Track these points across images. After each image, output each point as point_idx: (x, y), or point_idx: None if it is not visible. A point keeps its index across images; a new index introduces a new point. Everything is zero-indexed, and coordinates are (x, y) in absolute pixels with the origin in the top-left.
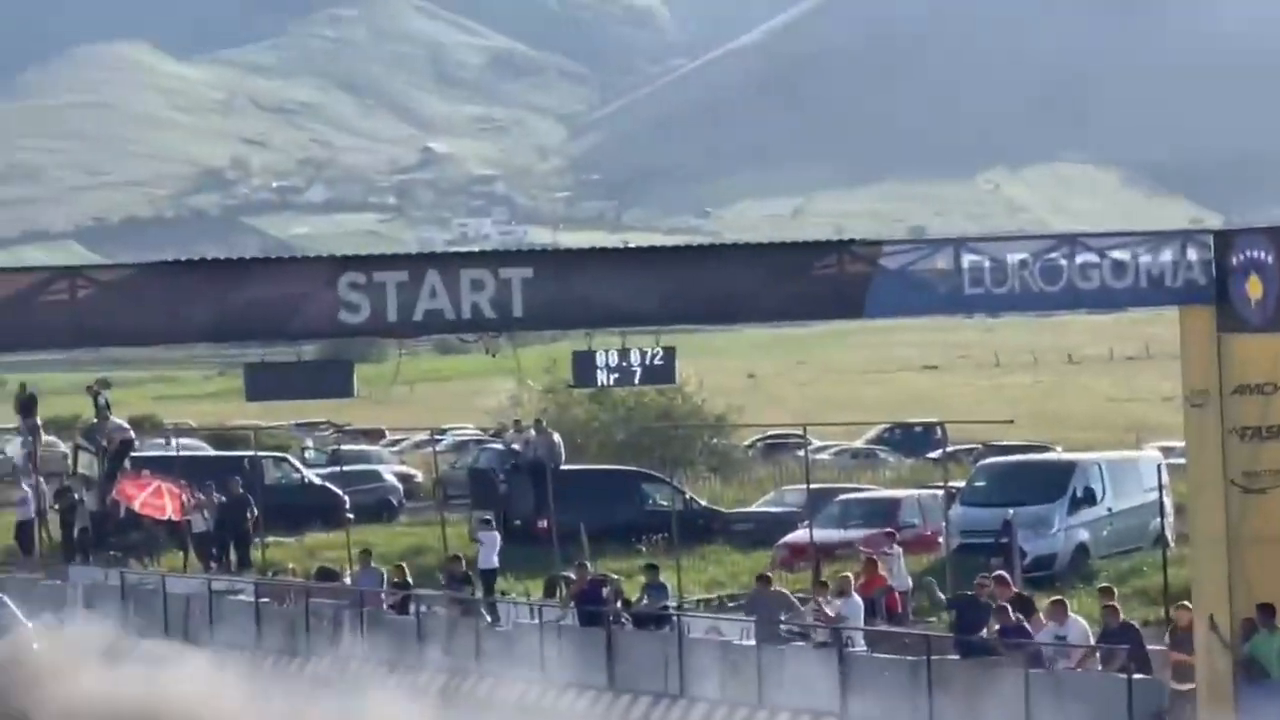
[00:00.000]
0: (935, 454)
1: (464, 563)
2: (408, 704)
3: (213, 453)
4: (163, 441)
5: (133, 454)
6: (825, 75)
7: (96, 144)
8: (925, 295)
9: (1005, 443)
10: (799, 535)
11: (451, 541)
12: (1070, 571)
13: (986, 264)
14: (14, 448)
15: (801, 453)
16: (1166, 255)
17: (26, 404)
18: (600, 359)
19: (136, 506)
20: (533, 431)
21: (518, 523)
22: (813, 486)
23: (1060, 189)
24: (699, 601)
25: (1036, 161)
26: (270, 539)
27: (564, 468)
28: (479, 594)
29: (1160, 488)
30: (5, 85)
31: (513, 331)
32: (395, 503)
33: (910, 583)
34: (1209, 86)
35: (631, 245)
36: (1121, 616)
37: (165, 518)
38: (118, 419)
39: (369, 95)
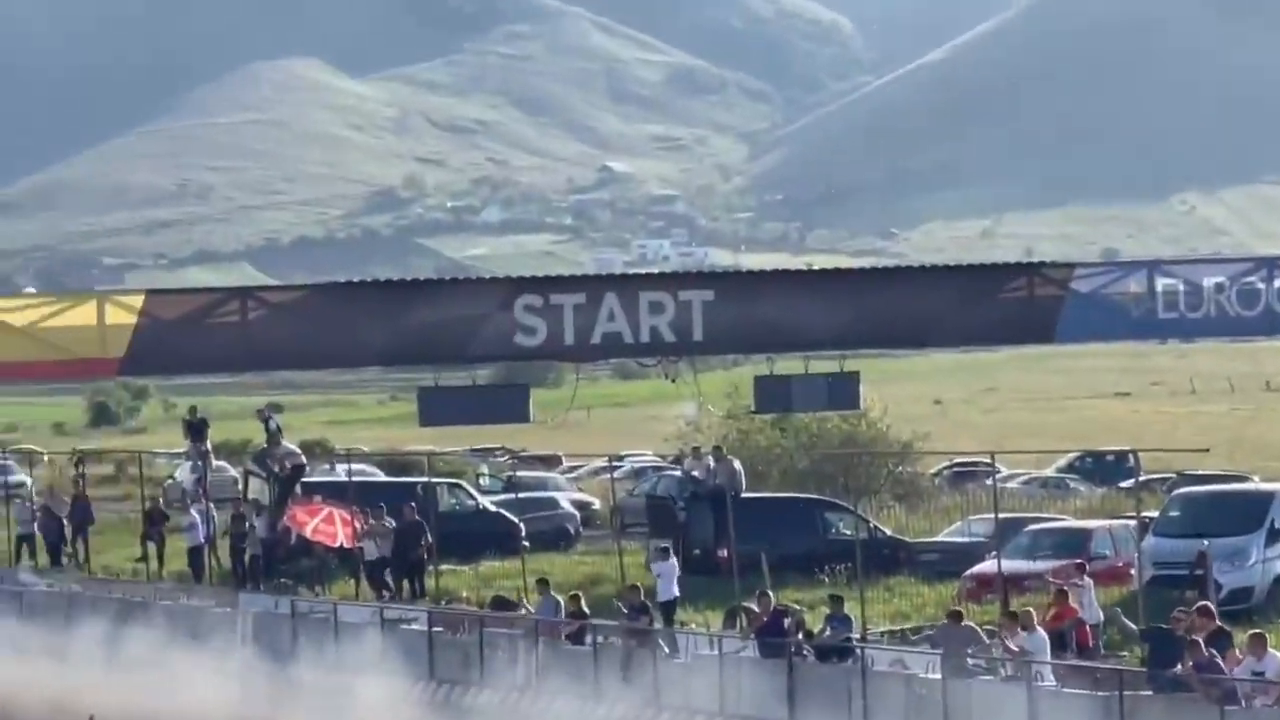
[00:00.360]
0: (1128, 483)
1: (642, 592)
2: None
3: (385, 479)
4: (329, 467)
5: (304, 479)
6: (1015, 93)
7: (268, 163)
8: (1118, 320)
9: (1200, 472)
10: (987, 566)
11: (629, 571)
12: (1268, 605)
13: (1181, 287)
14: (184, 473)
15: (989, 481)
16: None
17: (197, 428)
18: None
19: (308, 533)
20: (712, 458)
21: (697, 552)
22: (1001, 516)
23: (1261, 211)
24: (883, 634)
25: (1235, 183)
26: (444, 567)
27: (745, 495)
28: (657, 624)
29: None
30: (176, 103)
31: (693, 355)
32: (572, 531)
33: (1101, 615)
34: None
35: (815, 267)
36: None
37: (336, 545)
38: (289, 444)
39: (545, 113)
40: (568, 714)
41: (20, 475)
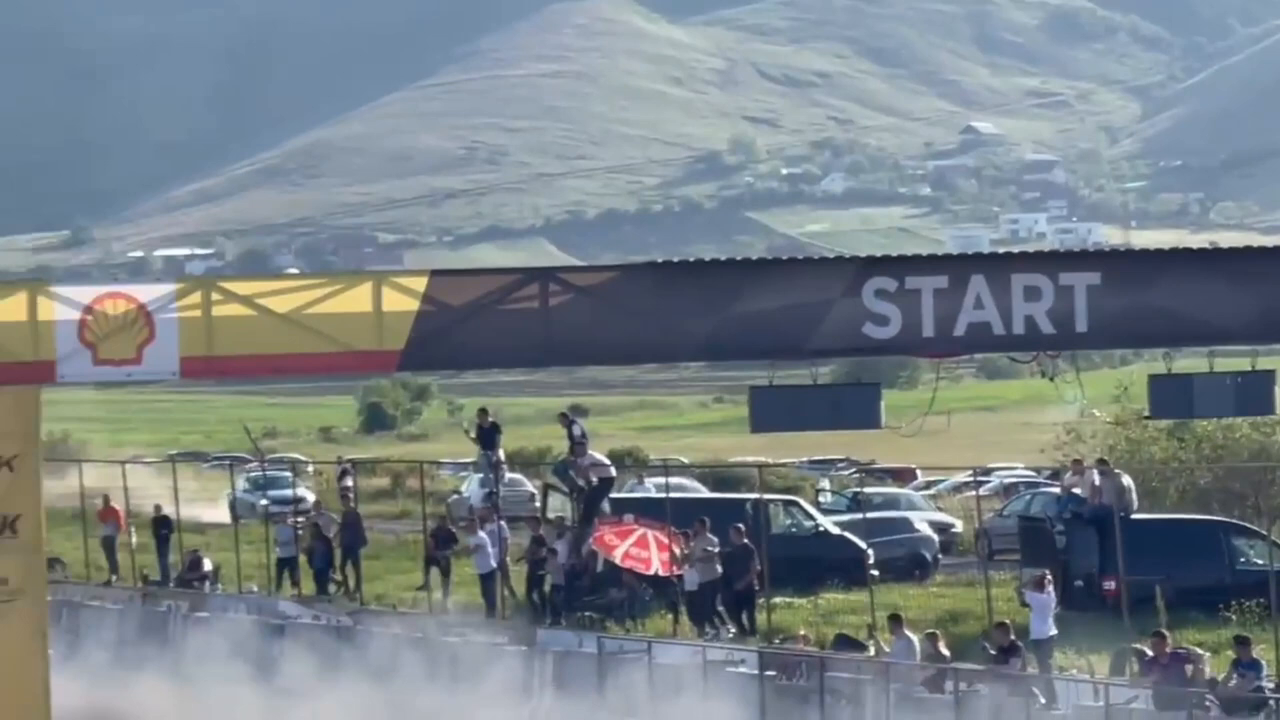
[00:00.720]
0: None
1: (1012, 631)
2: None
3: (709, 495)
4: (640, 481)
5: (613, 495)
6: None
7: (570, 123)
8: None
9: None
10: None
11: (997, 605)
12: None
13: None
14: (471, 487)
15: None
16: None
17: (487, 434)
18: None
19: (617, 559)
20: (1097, 473)
21: (1079, 583)
22: None
23: None
24: None
25: None
26: (777, 599)
27: (1135, 517)
28: (1030, 669)
29: None
30: (459, 53)
31: (1075, 350)
32: (929, 557)
33: None
34: None
35: (1221, 246)
36: None
37: (651, 572)
38: (595, 453)
39: (899, 65)
40: None
41: (298, 489)
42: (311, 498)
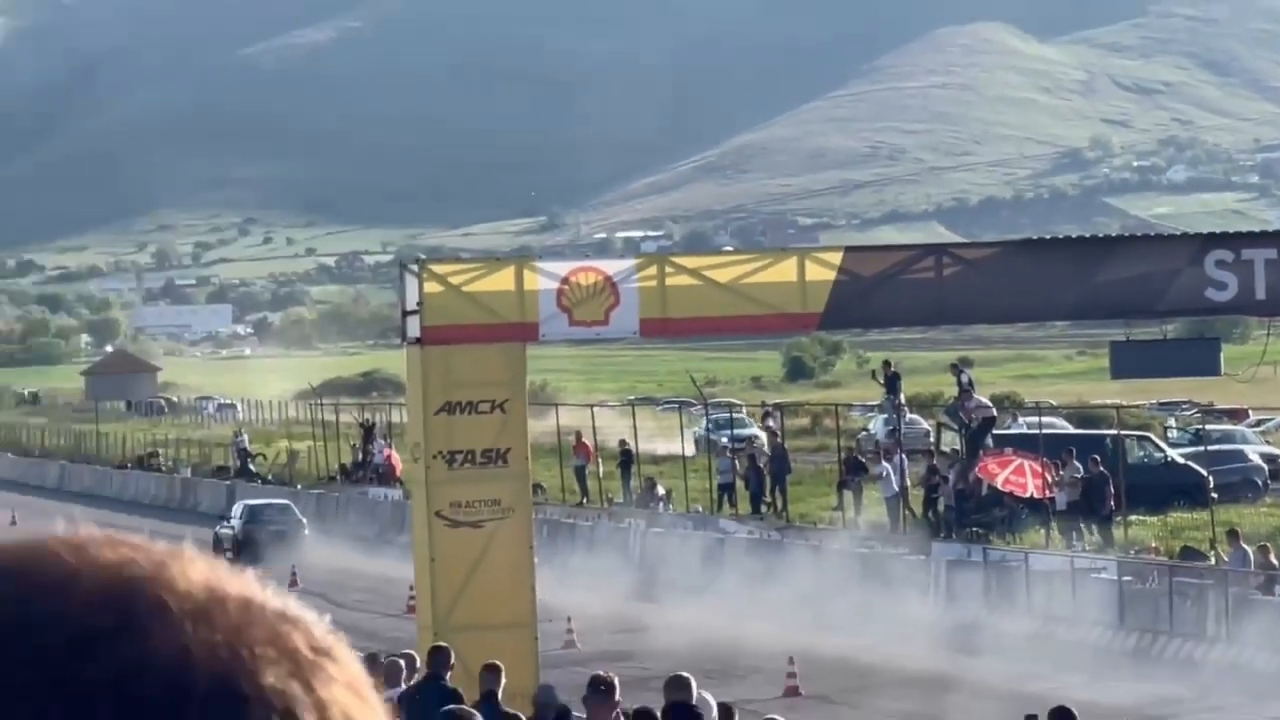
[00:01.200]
0: None
1: None
2: None
3: (1074, 431)
4: (1018, 420)
5: (994, 432)
6: None
7: (957, 125)
8: None
9: None
10: None
11: None
12: None
13: None
14: (877, 425)
15: None
16: None
17: (891, 381)
18: None
19: (999, 484)
20: None
21: None
22: None
23: None
24: None
25: None
26: (1132, 517)
27: None
28: None
29: None
30: (868, 69)
31: None
32: (1260, 483)
33: None
34: None
35: None
36: None
37: (1027, 495)
38: (980, 397)
39: (1231, 74)
40: (1259, 665)
41: (751, 429)
42: (763, 436)
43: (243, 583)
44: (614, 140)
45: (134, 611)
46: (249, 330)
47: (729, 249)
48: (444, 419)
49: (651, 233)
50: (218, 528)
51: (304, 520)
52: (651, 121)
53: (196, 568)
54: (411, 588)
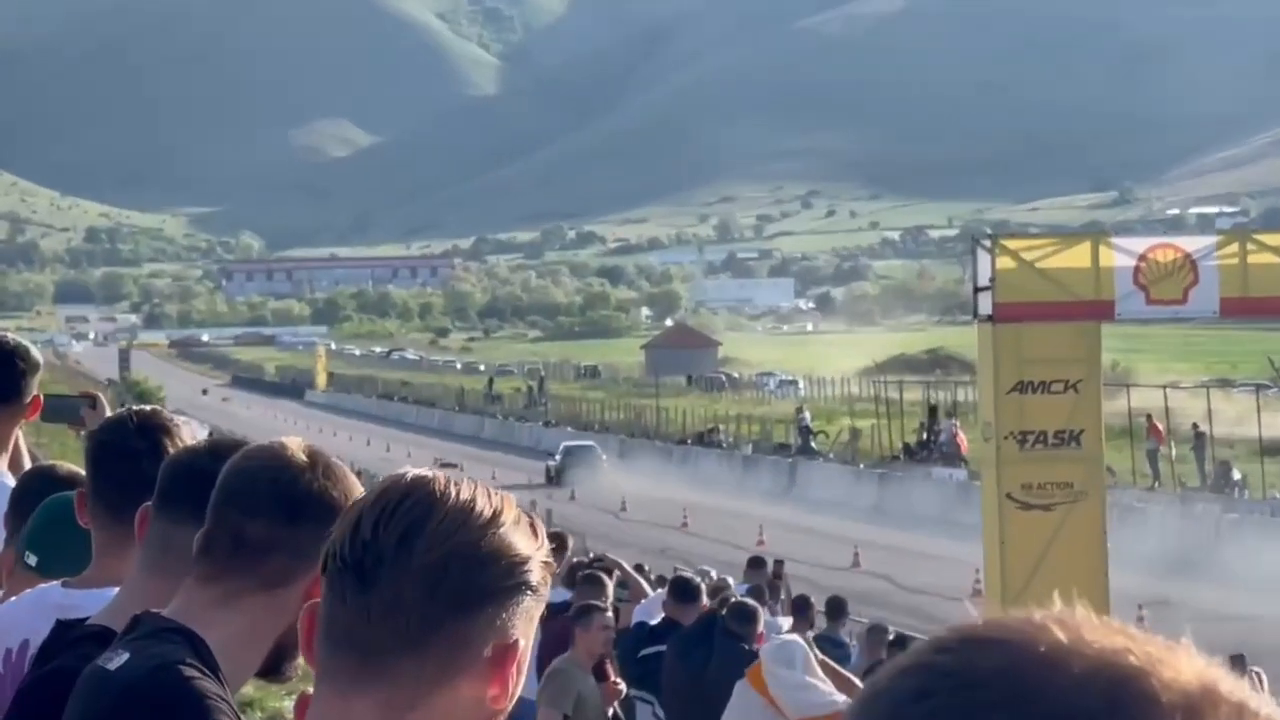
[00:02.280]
0: None
1: None
2: None
3: None
4: None
5: None
6: None
7: None
8: None
9: None
10: None
11: None
12: None
13: None
14: None
15: None
16: None
17: None
18: None
19: None
20: None
21: None
22: None
23: None
24: None
25: None
26: None
27: None
28: None
29: None
30: None
31: None
32: None
33: None
34: None
35: None
36: None
37: None
38: None
39: None
40: None
41: None
42: None
43: (1238, 686)
44: (1191, 113)
45: (1123, 699)
46: (810, 305)
47: None
48: (1015, 398)
49: (1226, 209)
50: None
51: (603, 455)
52: (1234, 93)
53: (1192, 664)
54: (978, 571)
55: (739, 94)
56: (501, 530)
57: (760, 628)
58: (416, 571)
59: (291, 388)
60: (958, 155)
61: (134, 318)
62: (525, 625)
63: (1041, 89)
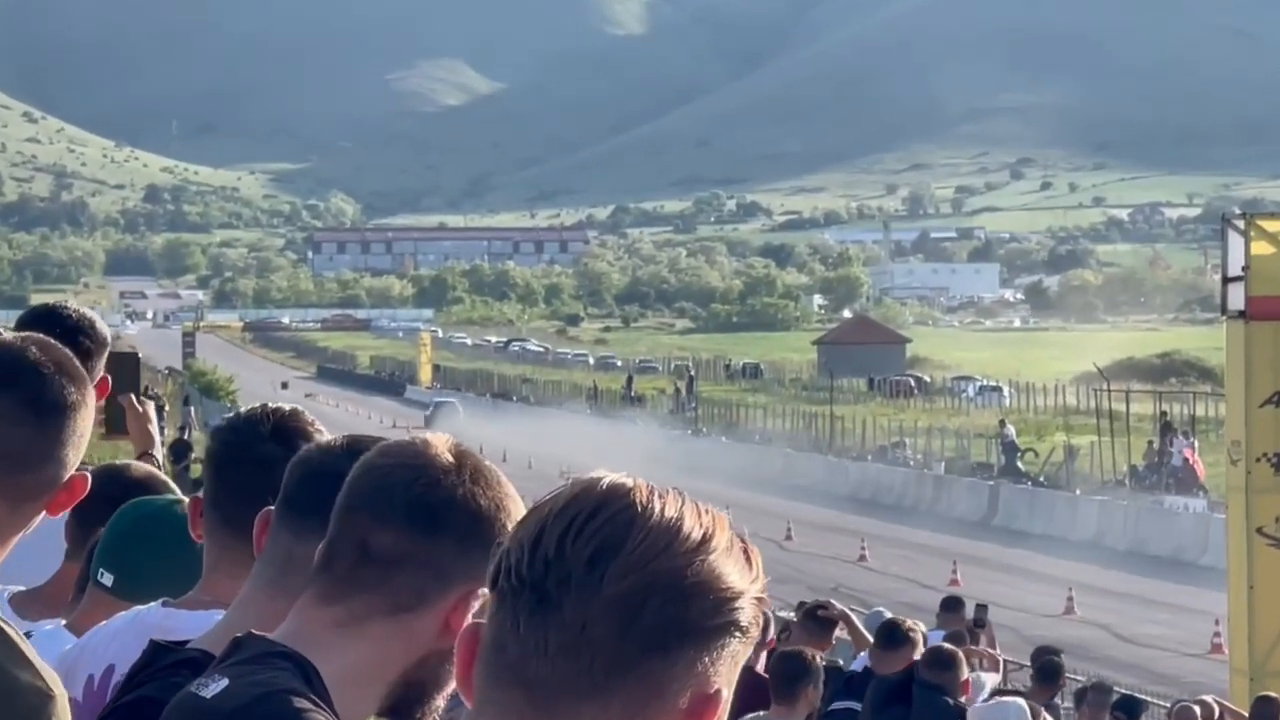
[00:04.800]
0: None
1: None
2: None
3: None
4: None
5: None
6: None
7: None
8: None
9: None
10: None
11: None
12: None
13: None
14: None
15: None
16: None
17: None
18: None
19: None
20: None
21: None
22: None
23: None
24: None
25: None
26: None
27: None
28: None
29: None
30: None
31: None
32: None
33: None
34: None
35: None
36: None
37: None
38: None
39: None
40: None
41: None
42: None
43: None
44: None
45: None
46: (1019, 296)
47: None
48: (1271, 413)
49: None
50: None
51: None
52: None
53: None
54: (1218, 621)
55: (935, 38)
56: (712, 558)
57: (965, 674)
58: (607, 600)
59: (389, 382)
60: (1202, 117)
61: (201, 294)
62: (729, 673)
63: None
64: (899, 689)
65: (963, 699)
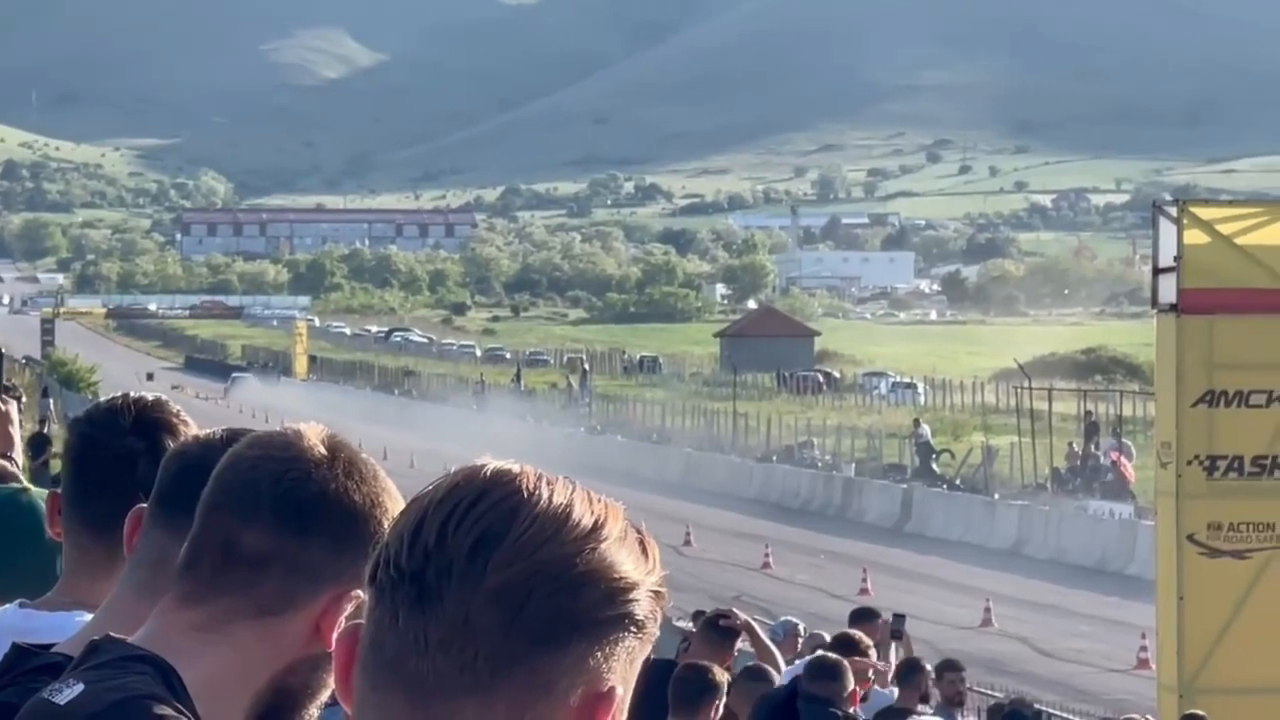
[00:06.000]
0: None
1: None
2: None
3: None
4: None
5: None
6: None
7: None
8: None
9: None
10: None
11: None
12: None
13: None
14: None
15: None
16: None
17: None
18: None
19: None
20: None
21: None
22: None
23: None
24: None
25: None
26: None
27: None
28: None
29: None
30: None
31: None
32: None
33: None
34: None
35: None
36: None
37: None
38: None
39: None
40: None
41: None
42: None
43: None
44: None
45: None
46: (935, 287)
47: None
48: (1204, 412)
49: None
50: None
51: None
52: None
53: None
54: (1144, 635)
55: (851, 9)
56: (603, 546)
57: (851, 685)
58: (491, 591)
59: (262, 374)
60: (1133, 98)
61: (61, 278)
62: (625, 671)
63: (1245, 9)
64: (783, 705)
65: (852, 710)
